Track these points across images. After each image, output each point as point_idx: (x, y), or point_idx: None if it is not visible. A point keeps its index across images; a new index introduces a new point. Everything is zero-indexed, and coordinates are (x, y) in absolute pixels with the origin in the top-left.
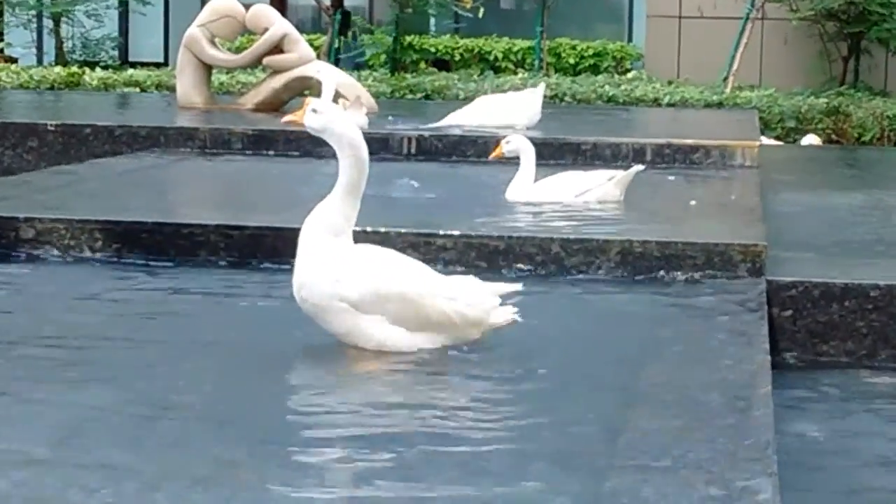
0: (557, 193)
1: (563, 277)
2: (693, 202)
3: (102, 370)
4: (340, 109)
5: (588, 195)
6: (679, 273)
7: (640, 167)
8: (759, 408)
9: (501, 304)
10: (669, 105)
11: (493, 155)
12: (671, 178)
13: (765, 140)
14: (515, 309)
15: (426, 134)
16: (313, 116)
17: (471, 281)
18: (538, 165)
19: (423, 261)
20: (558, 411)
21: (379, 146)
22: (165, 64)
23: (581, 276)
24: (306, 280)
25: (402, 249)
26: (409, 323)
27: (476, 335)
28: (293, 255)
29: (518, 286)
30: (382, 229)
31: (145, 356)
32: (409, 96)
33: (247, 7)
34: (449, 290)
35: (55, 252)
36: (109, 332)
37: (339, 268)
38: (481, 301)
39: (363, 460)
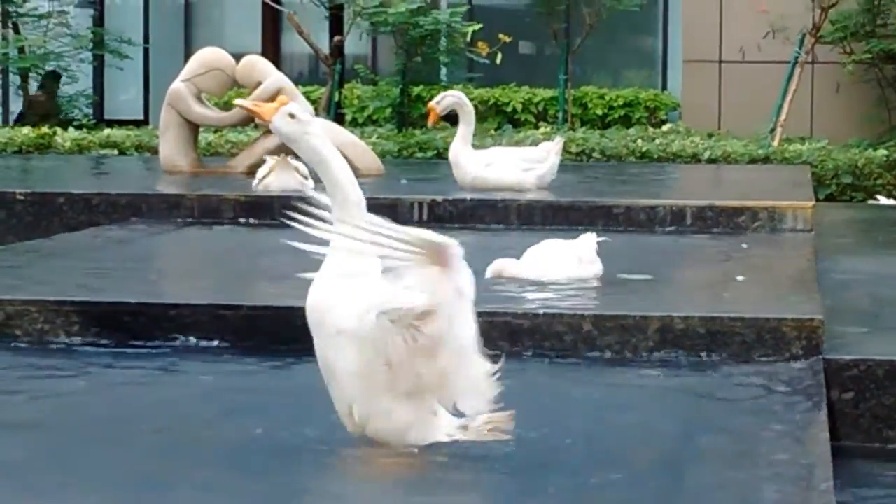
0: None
1: (594, 358)
2: (741, 278)
3: (88, 476)
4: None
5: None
6: (725, 353)
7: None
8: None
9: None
10: (710, 161)
11: (430, 122)
12: (714, 244)
13: (882, 200)
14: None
15: (439, 199)
16: (288, 121)
17: None
18: (565, 231)
19: None
20: None
21: (387, 213)
22: (146, 122)
23: (615, 356)
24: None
25: None
26: None
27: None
28: (295, 339)
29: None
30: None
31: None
32: (419, 154)
33: (236, 58)
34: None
35: (27, 338)
36: (92, 428)
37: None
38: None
39: None
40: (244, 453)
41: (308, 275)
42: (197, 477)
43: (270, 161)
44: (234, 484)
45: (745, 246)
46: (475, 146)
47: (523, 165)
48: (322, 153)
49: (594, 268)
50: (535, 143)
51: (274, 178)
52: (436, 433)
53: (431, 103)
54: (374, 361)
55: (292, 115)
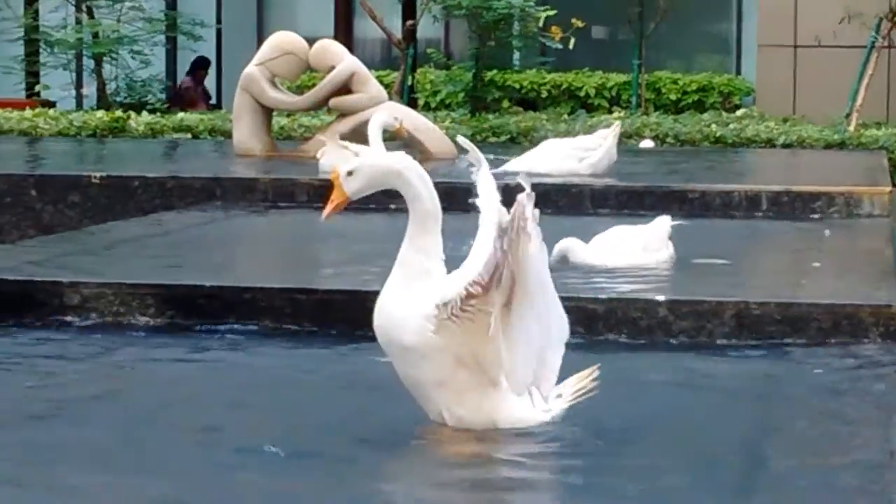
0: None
1: (669, 344)
2: (817, 264)
3: (155, 456)
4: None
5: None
6: (802, 339)
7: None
8: None
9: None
10: (785, 146)
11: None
12: (790, 230)
13: None
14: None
15: (512, 183)
16: (348, 181)
17: None
18: (640, 216)
19: None
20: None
21: (462, 197)
22: (218, 106)
23: (690, 341)
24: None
25: None
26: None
27: None
28: (369, 323)
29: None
30: None
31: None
32: (492, 139)
33: (308, 42)
34: None
35: (103, 319)
36: (164, 410)
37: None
38: None
39: None
40: (314, 439)
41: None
42: (272, 464)
43: (324, 142)
44: (309, 470)
45: (827, 233)
46: (549, 130)
47: (576, 154)
48: (396, 169)
49: (662, 254)
50: (611, 125)
51: (325, 160)
52: (529, 414)
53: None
54: (448, 366)
55: (350, 173)
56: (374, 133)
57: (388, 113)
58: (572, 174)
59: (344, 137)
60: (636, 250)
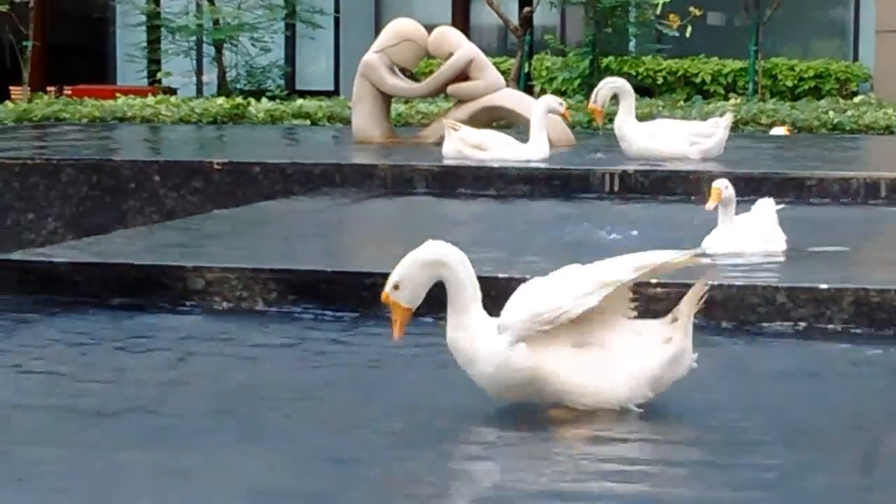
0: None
1: (787, 331)
2: None
3: (284, 432)
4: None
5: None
6: None
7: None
8: None
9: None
10: None
11: (599, 121)
12: None
13: None
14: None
15: (630, 170)
16: (400, 292)
17: None
18: (747, 202)
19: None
20: (785, 486)
21: (579, 184)
22: (336, 93)
23: (808, 328)
24: (485, 384)
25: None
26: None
27: (678, 372)
28: (494, 308)
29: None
30: None
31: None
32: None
33: (427, 29)
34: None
35: (226, 304)
36: (295, 393)
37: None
38: None
39: None
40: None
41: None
42: (386, 449)
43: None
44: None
45: None
46: (664, 117)
47: (690, 139)
48: (437, 261)
49: (777, 244)
50: (723, 115)
51: (447, 147)
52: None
53: (591, 106)
54: (538, 382)
55: (396, 286)
56: (539, 117)
57: (554, 98)
58: (682, 156)
59: (463, 124)
60: (756, 240)
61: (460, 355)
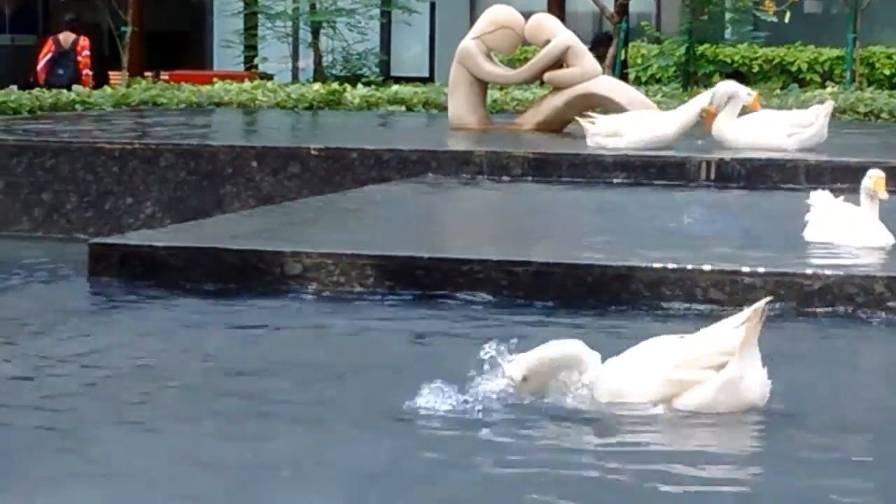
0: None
1: (887, 320)
2: None
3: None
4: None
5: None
6: None
7: None
8: None
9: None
10: None
11: (708, 125)
12: None
13: None
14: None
15: (727, 158)
16: (513, 366)
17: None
18: (855, 192)
19: (731, 301)
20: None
21: (674, 171)
22: (431, 79)
23: None
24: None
25: (705, 288)
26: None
27: (751, 395)
28: (585, 296)
29: (763, 302)
30: (688, 266)
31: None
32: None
33: (524, 16)
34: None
35: (323, 289)
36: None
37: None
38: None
39: None
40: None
41: None
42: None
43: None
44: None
45: None
46: (761, 105)
47: (788, 130)
48: (572, 355)
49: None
50: (822, 103)
51: (594, 130)
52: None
53: (706, 107)
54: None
55: (525, 379)
56: (721, 99)
57: (739, 85)
58: (780, 148)
59: (559, 110)
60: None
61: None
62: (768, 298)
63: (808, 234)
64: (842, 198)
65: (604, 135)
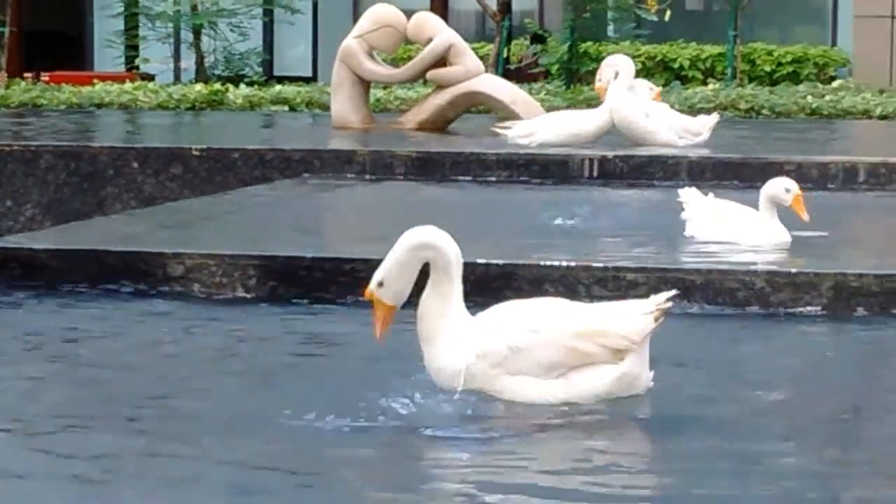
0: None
1: (766, 315)
2: None
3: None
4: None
5: None
6: None
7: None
8: None
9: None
10: (882, 117)
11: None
12: (889, 201)
13: None
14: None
15: (609, 155)
16: (383, 291)
17: (622, 307)
18: (736, 188)
19: (610, 298)
20: (759, 477)
21: (557, 169)
22: (314, 79)
23: (787, 313)
24: (435, 368)
25: (588, 285)
26: (552, 370)
27: (639, 385)
28: (474, 295)
29: (672, 293)
30: (571, 263)
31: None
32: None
33: (406, 15)
34: (585, 323)
35: (205, 290)
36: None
37: (460, 343)
38: (626, 327)
39: None
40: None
41: None
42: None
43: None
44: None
45: None
46: None
47: (680, 132)
48: (422, 243)
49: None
50: (706, 100)
51: (513, 132)
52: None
53: (597, 85)
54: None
55: (381, 283)
56: (609, 74)
57: (623, 57)
58: (669, 145)
59: (442, 109)
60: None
61: (426, 329)
62: (674, 291)
63: (690, 231)
64: (711, 194)
65: (522, 136)
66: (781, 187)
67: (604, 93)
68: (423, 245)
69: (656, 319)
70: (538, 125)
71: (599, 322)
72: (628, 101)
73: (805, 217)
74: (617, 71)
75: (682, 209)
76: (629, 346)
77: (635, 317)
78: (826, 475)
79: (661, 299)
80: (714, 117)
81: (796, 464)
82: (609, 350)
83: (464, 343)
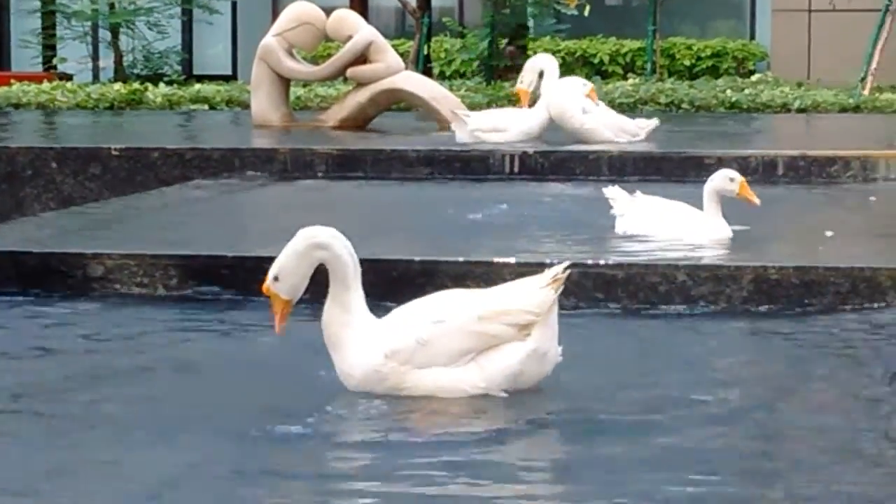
0: None
1: (687, 309)
2: (829, 233)
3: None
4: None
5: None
6: (820, 302)
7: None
8: None
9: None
10: (800, 111)
11: (524, 104)
12: (808, 194)
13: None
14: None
15: (530, 151)
16: (278, 286)
17: (520, 284)
18: (657, 182)
19: None
20: (680, 460)
21: (478, 165)
22: (234, 77)
23: (709, 306)
24: (345, 373)
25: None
26: (462, 357)
27: (549, 361)
28: (396, 293)
29: (566, 264)
30: (493, 259)
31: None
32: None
33: (326, 12)
34: (486, 307)
35: (125, 291)
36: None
37: (366, 346)
38: (526, 305)
39: None
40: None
41: None
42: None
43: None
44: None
45: (872, 199)
46: None
47: (616, 131)
48: (316, 243)
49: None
50: (626, 95)
51: (459, 133)
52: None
53: (518, 88)
54: (403, 391)
55: (276, 278)
56: (531, 76)
57: (545, 56)
58: (606, 142)
59: (363, 106)
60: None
61: (331, 337)
62: (567, 263)
63: (621, 228)
64: (639, 192)
65: (485, 130)
66: (725, 178)
67: (525, 95)
68: (316, 245)
69: (555, 290)
70: (498, 120)
71: (500, 302)
72: (564, 96)
73: (756, 201)
74: (542, 70)
75: (611, 206)
76: (533, 318)
77: (534, 291)
78: (750, 471)
79: (557, 270)
80: (654, 122)
81: (718, 456)
82: (515, 327)
83: (370, 345)
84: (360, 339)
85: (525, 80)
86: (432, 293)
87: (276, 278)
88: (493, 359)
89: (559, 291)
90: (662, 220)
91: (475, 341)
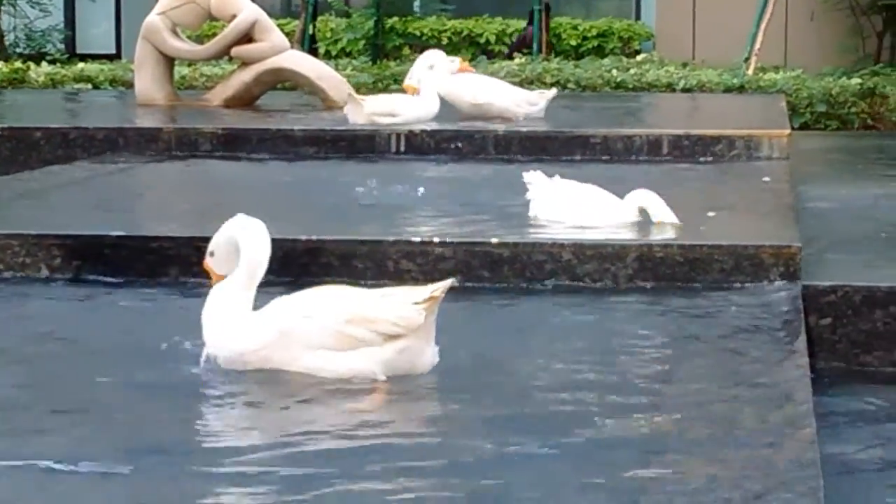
0: None
1: (573, 287)
2: (711, 214)
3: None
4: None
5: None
6: (704, 280)
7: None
8: (800, 426)
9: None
10: (685, 90)
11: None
12: (692, 173)
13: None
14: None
15: (416, 130)
16: (214, 261)
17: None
18: (544, 161)
19: (421, 272)
20: (577, 434)
21: (364, 144)
22: (118, 56)
23: (596, 285)
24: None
25: (396, 260)
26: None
27: (423, 363)
28: (282, 271)
29: (449, 282)
30: (377, 238)
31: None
32: (394, 86)
33: None
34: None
35: (9, 271)
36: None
37: (237, 331)
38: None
39: None
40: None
41: None
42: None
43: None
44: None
45: (766, 179)
46: None
47: (518, 101)
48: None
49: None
50: (512, 74)
51: (350, 115)
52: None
53: (406, 83)
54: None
55: (212, 254)
56: (421, 73)
57: (435, 52)
58: (508, 114)
59: (248, 86)
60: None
61: (207, 318)
62: (451, 280)
63: (534, 212)
64: (558, 176)
65: (380, 113)
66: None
67: (413, 92)
68: (236, 236)
69: (428, 309)
70: (395, 104)
71: (370, 309)
72: (449, 80)
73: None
74: (432, 65)
75: (527, 190)
76: (399, 332)
77: (406, 306)
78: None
79: (438, 287)
80: (552, 91)
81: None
82: (381, 336)
83: (240, 331)
84: (234, 323)
85: (414, 76)
86: (318, 273)
87: (211, 254)
88: (362, 352)
89: (434, 311)
90: (576, 204)
91: (339, 341)
